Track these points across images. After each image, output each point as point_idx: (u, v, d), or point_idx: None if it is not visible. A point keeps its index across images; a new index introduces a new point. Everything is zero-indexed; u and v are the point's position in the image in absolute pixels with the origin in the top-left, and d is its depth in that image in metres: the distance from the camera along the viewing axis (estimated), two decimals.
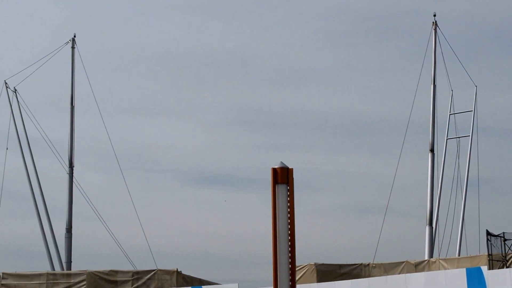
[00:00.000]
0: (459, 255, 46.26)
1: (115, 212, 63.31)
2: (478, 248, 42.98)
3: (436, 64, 49.81)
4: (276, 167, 17.49)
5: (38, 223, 47.49)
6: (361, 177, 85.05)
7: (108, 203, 68.51)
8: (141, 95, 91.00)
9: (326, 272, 41.23)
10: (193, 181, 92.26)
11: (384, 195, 48.87)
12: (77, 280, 40.18)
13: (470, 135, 49.66)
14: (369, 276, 40.45)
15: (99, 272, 40.53)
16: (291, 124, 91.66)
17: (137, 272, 40.70)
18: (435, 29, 50.29)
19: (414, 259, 41.11)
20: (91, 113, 52.29)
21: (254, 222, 79.15)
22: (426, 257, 44.89)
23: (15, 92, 49.63)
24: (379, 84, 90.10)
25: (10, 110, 49.39)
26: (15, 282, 40.47)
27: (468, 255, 40.54)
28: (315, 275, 40.99)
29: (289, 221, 17.28)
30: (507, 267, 35.89)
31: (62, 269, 46.41)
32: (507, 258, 36.81)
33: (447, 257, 42.11)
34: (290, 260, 17.18)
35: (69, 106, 50.00)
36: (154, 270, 40.46)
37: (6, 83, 49.64)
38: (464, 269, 34.35)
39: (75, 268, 46.44)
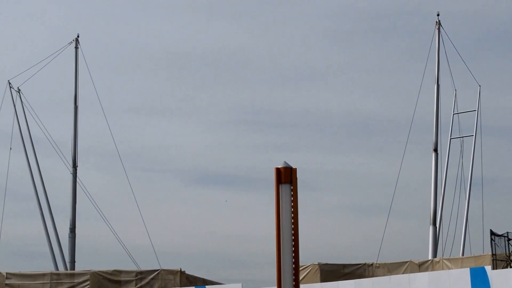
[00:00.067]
0: (463, 255, 46.23)
1: (118, 212, 63.37)
2: (482, 248, 42.99)
3: (439, 64, 49.80)
4: (279, 166, 17.47)
5: (42, 223, 47.51)
6: (364, 177, 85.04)
7: (111, 203, 68.58)
8: (144, 95, 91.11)
9: (330, 272, 41.22)
10: (196, 181, 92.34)
11: (388, 194, 48.84)
12: (80, 280, 40.19)
13: (474, 134, 49.64)
14: (372, 276, 40.42)
15: (102, 272, 40.53)
16: (293, 123, 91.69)
17: (141, 272, 40.69)
18: (439, 29, 50.25)
19: (417, 259, 41.08)
20: (94, 113, 52.35)
21: (258, 222, 79.16)
22: (430, 257, 44.86)
23: (18, 92, 49.65)
24: (382, 84, 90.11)
25: (13, 110, 49.42)
26: (19, 282, 40.49)
27: (472, 255, 40.49)
28: (318, 275, 40.98)
29: (292, 221, 17.27)
30: (511, 267, 35.83)
31: (66, 269, 46.42)
32: (511, 258, 36.75)
33: (451, 257, 42.08)
34: (293, 260, 17.17)
35: (72, 106, 50.01)
36: (158, 270, 40.45)
37: (9, 83, 49.67)
38: (468, 269, 34.30)
39: (78, 268, 46.45)
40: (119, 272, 40.59)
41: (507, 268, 35.73)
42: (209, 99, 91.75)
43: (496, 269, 34.74)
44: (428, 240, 46.82)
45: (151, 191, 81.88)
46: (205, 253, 77.95)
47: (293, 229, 17.23)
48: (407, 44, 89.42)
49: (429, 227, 47.08)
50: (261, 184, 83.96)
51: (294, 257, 17.17)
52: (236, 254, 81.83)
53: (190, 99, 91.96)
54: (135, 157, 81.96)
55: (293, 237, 17.20)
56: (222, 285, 40.63)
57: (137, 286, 40.03)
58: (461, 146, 50.19)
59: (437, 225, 47.19)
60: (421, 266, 40.27)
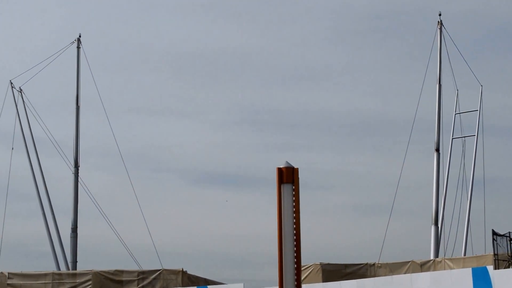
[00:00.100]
0: (464, 254, 46.20)
1: (120, 212, 63.33)
2: (484, 247, 42.97)
3: (441, 64, 49.75)
4: (281, 166, 17.47)
5: (44, 223, 47.53)
6: (366, 177, 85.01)
7: (113, 202, 68.55)
8: (146, 95, 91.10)
9: (332, 272, 41.20)
10: (198, 180, 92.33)
11: (390, 194, 48.81)
12: (82, 280, 40.21)
13: (476, 134, 49.61)
14: (374, 275, 40.40)
15: (104, 272, 40.54)
16: (295, 123, 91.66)
17: (143, 272, 40.70)
18: (440, 28, 50.22)
19: (419, 259, 41.06)
20: (96, 112, 52.36)
21: (260, 222, 79.18)
22: (432, 257, 44.84)
23: (20, 92, 49.67)
24: (384, 84, 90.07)
25: (15, 110, 49.45)
26: (21, 282, 40.51)
27: (474, 255, 40.47)
28: (320, 275, 40.97)
29: (294, 220, 17.27)
30: None
31: (68, 269, 46.43)
32: None
33: (453, 257, 42.05)
34: (295, 259, 17.17)
35: (74, 106, 50.02)
36: (160, 270, 40.46)
37: (11, 83, 49.68)
38: (470, 269, 34.28)
39: (80, 268, 46.47)
40: (121, 272, 40.60)
41: (509, 268, 35.72)
42: (211, 99, 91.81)
43: (498, 269, 34.72)
44: (430, 240, 46.80)
45: (153, 191, 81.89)
46: (207, 253, 77.98)
47: (295, 229, 17.23)
48: (409, 43, 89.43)
49: (431, 227, 47.06)
50: (263, 184, 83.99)
51: (296, 257, 17.17)
52: (238, 254, 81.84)
53: (191, 99, 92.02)
54: (137, 157, 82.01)
55: (295, 237, 17.20)
56: (224, 285, 40.64)
57: (139, 286, 40.05)
58: (463, 146, 50.18)
59: (439, 225, 47.16)
60: (423, 266, 40.26)
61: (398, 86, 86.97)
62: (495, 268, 34.20)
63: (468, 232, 47.76)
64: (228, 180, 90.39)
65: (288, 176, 17.39)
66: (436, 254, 46.02)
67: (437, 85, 49.64)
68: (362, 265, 41.87)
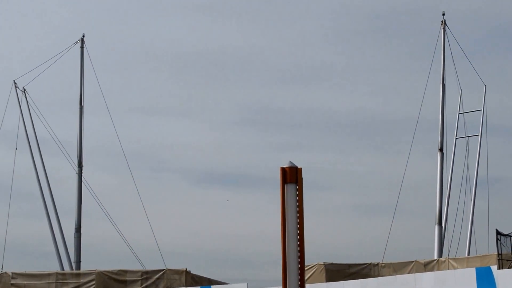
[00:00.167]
0: (468, 254, 46.19)
1: (124, 211, 63.39)
2: (488, 247, 42.96)
3: (445, 63, 49.75)
4: (285, 166, 17.46)
5: (47, 223, 47.54)
6: (370, 177, 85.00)
7: (117, 202, 68.61)
8: (149, 95, 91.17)
9: (335, 271, 41.19)
10: (202, 180, 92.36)
11: (393, 194, 48.85)
12: (86, 280, 40.22)
13: (479, 134, 49.61)
14: (378, 275, 40.39)
15: (108, 271, 40.55)
16: (299, 123, 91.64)
17: (146, 272, 40.71)
18: (444, 28, 50.20)
19: (423, 259, 41.05)
20: (100, 112, 52.38)
21: (263, 222, 79.10)
22: (436, 257, 44.82)
23: (24, 92, 49.70)
24: (388, 83, 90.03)
25: (19, 110, 49.47)
26: (25, 282, 40.54)
27: (478, 255, 40.44)
28: (324, 274, 40.95)
29: (298, 220, 17.26)
30: None
31: (71, 268, 46.45)
32: None
33: (457, 257, 42.04)
34: (299, 259, 17.16)
35: (78, 105, 50.05)
36: (163, 269, 40.46)
37: (15, 83, 49.72)
38: (474, 268, 34.25)
39: (84, 267, 46.50)
40: (125, 272, 40.61)
41: None
42: (214, 99, 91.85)
43: (502, 268, 34.68)
44: (434, 240, 46.78)
45: (157, 190, 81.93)
46: (211, 253, 77.99)
47: (298, 228, 17.22)
48: (413, 43, 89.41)
49: (434, 226, 47.04)
50: (266, 183, 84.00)
51: (299, 257, 17.15)
52: (242, 254, 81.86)
53: (195, 99, 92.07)
54: (141, 157, 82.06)
55: (298, 237, 17.19)
56: (227, 285, 40.63)
57: (142, 286, 40.05)
58: (467, 145, 50.19)
59: (443, 225, 47.14)
60: (427, 266, 40.24)
61: (402, 86, 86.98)
62: (499, 268, 34.16)
63: (472, 232, 47.77)
64: (230, 180, 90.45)
65: (291, 176, 17.37)
66: (440, 254, 46.00)
67: (441, 85, 49.61)
68: (365, 265, 41.85)
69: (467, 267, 37.48)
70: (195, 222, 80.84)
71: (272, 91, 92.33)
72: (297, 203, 17.33)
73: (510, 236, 36.91)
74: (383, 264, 41.62)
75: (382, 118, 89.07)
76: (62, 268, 46.27)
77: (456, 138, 50.26)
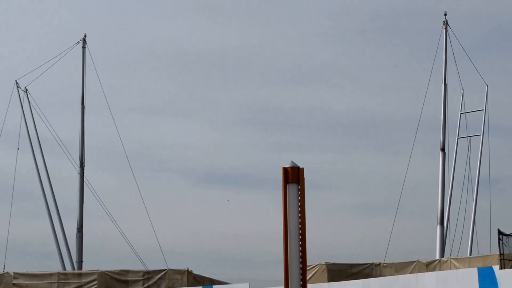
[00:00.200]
0: (470, 254, 46.17)
1: (126, 211, 63.37)
2: (490, 247, 42.95)
3: (446, 63, 49.74)
4: (286, 166, 17.45)
5: (49, 222, 47.57)
6: (371, 176, 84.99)
7: (118, 202, 68.54)
8: (151, 95, 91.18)
9: (337, 271, 41.16)
10: (203, 180, 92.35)
11: (395, 194, 48.83)
12: (88, 279, 40.22)
13: (481, 134, 49.61)
14: (380, 275, 40.36)
15: (110, 271, 40.55)
16: (299, 123, 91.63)
17: (148, 272, 40.70)
18: (446, 28, 50.18)
19: (425, 259, 41.02)
20: (101, 112, 52.39)
21: (265, 222, 79.15)
22: (437, 257, 44.80)
23: (26, 92, 49.73)
24: (390, 83, 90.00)
25: (21, 110, 49.50)
26: (26, 282, 40.54)
27: (480, 255, 40.41)
28: (326, 274, 40.92)
29: (300, 220, 17.25)
30: None
31: (73, 268, 46.47)
32: None
33: (459, 257, 42.01)
34: (301, 259, 17.15)
35: (79, 105, 50.07)
36: (165, 269, 40.45)
37: (17, 83, 49.74)
38: (476, 268, 34.22)
39: (86, 267, 46.50)
40: (127, 272, 40.60)
41: None
42: (215, 99, 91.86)
43: (504, 268, 34.66)
44: (436, 240, 46.76)
45: (158, 190, 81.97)
46: (213, 252, 77.98)
47: (300, 228, 17.21)
48: (414, 43, 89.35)
49: (436, 226, 47.02)
50: (268, 183, 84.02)
51: (301, 257, 17.14)
52: (244, 253, 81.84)
53: (196, 99, 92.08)
54: (142, 157, 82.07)
55: (300, 237, 17.18)
56: (229, 285, 40.61)
57: (144, 286, 40.04)
58: (469, 145, 50.19)
59: (445, 225, 47.13)
60: (429, 266, 40.21)
61: (403, 86, 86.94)
62: (501, 268, 34.14)
63: (473, 231, 47.77)
64: (231, 180, 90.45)
65: (293, 176, 17.36)
66: (442, 253, 45.98)
67: (443, 85, 49.61)
68: (367, 265, 41.83)
69: (469, 267, 37.45)
70: (197, 222, 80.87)
71: (274, 91, 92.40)
72: (299, 203, 17.32)
73: None
74: (385, 264, 41.60)
75: (384, 118, 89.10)
76: (64, 268, 46.29)
77: (458, 138, 50.26)
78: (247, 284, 38.55)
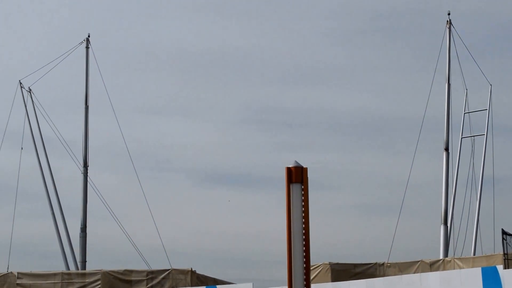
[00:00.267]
0: (474, 254, 46.13)
1: (129, 211, 63.35)
2: (493, 247, 42.90)
3: (450, 63, 49.68)
4: (290, 166, 17.44)
5: (53, 222, 47.59)
6: (375, 176, 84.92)
7: (122, 202, 68.59)
8: (155, 95, 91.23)
9: (341, 271, 41.14)
10: (207, 180, 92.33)
11: (399, 194, 48.81)
12: (92, 279, 40.24)
13: (485, 134, 49.59)
14: (384, 275, 40.34)
15: (113, 271, 40.56)
16: (304, 123, 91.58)
17: (152, 272, 40.70)
18: (449, 28, 50.13)
19: (429, 259, 40.99)
20: (105, 112, 52.41)
21: (269, 221, 79.12)
22: (441, 257, 44.76)
23: (29, 92, 49.77)
24: (393, 83, 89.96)
25: (24, 110, 49.55)
26: (30, 282, 40.58)
27: (484, 254, 40.39)
28: (329, 274, 40.90)
29: (303, 220, 17.24)
30: None
31: (77, 268, 46.48)
32: None
33: (462, 257, 41.98)
34: (304, 259, 17.14)
35: (83, 105, 50.10)
36: (169, 269, 40.45)
37: (20, 83, 49.78)
38: (480, 268, 34.20)
39: (89, 267, 46.54)
40: (130, 271, 40.61)
41: None
42: (218, 99, 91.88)
43: (508, 268, 34.62)
44: (440, 240, 46.72)
45: (162, 190, 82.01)
46: (216, 252, 77.98)
47: (304, 228, 17.20)
48: (418, 43, 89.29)
49: (440, 226, 46.98)
50: (271, 183, 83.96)
51: (305, 257, 17.14)
52: (247, 253, 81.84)
53: (200, 99, 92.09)
54: (145, 157, 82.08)
55: (304, 237, 17.17)
56: (233, 285, 40.60)
57: (148, 285, 40.06)
58: (472, 145, 50.17)
59: (448, 225, 47.08)
60: (433, 266, 40.18)
61: (407, 86, 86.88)
62: (504, 268, 34.10)
63: (477, 231, 47.73)
64: (235, 179, 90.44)
65: (297, 176, 17.36)
66: (446, 253, 45.94)
67: (446, 85, 49.55)
68: (371, 265, 41.79)
69: (472, 267, 37.42)
70: (200, 221, 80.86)
71: (277, 91, 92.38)
72: (303, 203, 17.32)
73: None
74: (388, 264, 41.57)
75: (388, 118, 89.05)
76: (68, 268, 46.31)
77: (461, 138, 50.23)
78: (251, 284, 38.54)
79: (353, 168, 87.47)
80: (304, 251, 17.14)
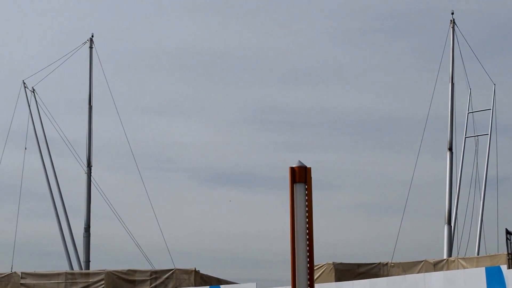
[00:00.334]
0: (478, 254, 46.07)
1: (133, 211, 63.39)
2: (497, 247, 42.87)
3: (454, 63, 49.64)
4: (294, 166, 17.43)
5: (57, 222, 47.62)
6: (379, 176, 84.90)
7: (126, 202, 68.58)
8: (158, 95, 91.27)
9: (344, 271, 41.11)
10: (210, 180, 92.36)
11: (402, 193, 48.73)
12: (95, 279, 40.25)
13: (489, 133, 49.52)
14: (387, 275, 40.30)
15: (117, 271, 40.57)
16: (307, 122, 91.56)
17: (155, 272, 40.71)
18: (453, 27, 50.08)
19: (432, 258, 40.95)
20: (108, 112, 52.41)
21: (273, 221, 79.11)
22: (445, 256, 44.73)
23: (33, 92, 49.79)
24: (397, 83, 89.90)
25: (28, 110, 49.58)
26: (34, 282, 40.60)
27: (487, 254, 40.33)
28: (333, 274, 40.88)
29: (307, 220, 17.24)
30: None
31: (81, 268, 46.51)
32: None
33: (466, 256, 41.90)
34: (308, 259, 17.13)
35: (86, 105, 50.10)
36: (172, 269, 40.46)
37: (24, 83, 49.81)
38: (483, 268, 34.14)
39: (93, 267, 46.54)
40: (134, 271, 40.62)
41: None
42: (221, 99, 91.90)
43: None
44: (443, 239, 46.69)
45: (165, 190, 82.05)
46: (220, 252, 77.97)
47: (307, 228, 17.20)
48: (422, 42, 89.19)
49: (444, 226, 46.94)
50: (275, 183, 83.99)
51: (308, 257, 17.13)
52: (251, 253, 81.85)
53: (203, 99, 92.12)
54: (149, 157, 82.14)
55: (307, 237, 17.16)
56: (236, 285, 40.59)
57: (151, 285, 40.07)
58: (476, 145, 50.10)
59: (452, 224, 47.04)
60: (436, 266, 40.13)
61: (411, 85, 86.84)
62: (508, 268, 34.05)
63: (481, 231, 47.67)
64: (239, 179, 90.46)
65: (300, 176, 17.35)
66: (450, 253, 45.90)
67: (450, 84, 49.52)
68: (375, 265, 41.76)
69: (476, 266, 37.36)
70: (204, 221, 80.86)
71: (280, 91, 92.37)
72: (306, 203, 17.31)
73: None
74: (392, 264, 41.54)
75: (391, 118, 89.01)
76: (71, 268, 46.34)
77: (465, 138, 50.17)
78: (255, 284, 38.53)
79: (357, 168, 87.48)
80: (308, 251, 17.14)
